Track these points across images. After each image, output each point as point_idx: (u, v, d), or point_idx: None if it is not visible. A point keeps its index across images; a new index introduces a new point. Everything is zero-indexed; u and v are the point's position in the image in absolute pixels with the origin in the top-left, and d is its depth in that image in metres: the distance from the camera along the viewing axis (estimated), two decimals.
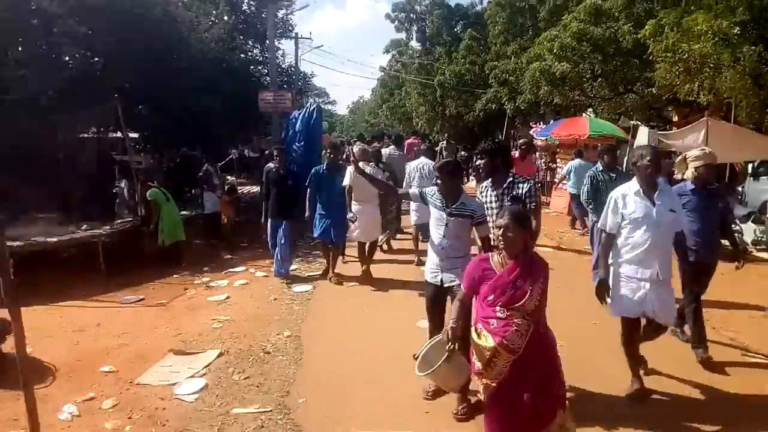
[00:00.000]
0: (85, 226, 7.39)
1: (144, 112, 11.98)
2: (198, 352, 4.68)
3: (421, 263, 7.59)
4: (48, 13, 8.67)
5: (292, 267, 7.44)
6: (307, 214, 6.86)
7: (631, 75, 13.14)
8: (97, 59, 11.20)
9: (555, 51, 13.52)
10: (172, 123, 12.75)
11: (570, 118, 13.81)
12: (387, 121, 35.23)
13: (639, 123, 10.39)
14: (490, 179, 3.74)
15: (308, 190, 6.85)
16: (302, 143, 11.94)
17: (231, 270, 7.52)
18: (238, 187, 15.66)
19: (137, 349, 4.78)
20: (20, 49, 9.05)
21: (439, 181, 3.75)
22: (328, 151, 7.67)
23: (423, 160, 7.92)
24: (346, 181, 6.52)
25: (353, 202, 6.56)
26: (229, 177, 18.70)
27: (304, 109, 12.40)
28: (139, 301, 6.31)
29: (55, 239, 6.71)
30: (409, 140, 15.38)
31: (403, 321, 5.26)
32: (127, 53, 10.26)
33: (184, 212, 11.31)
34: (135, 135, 13.53)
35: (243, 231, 10.09)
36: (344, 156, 8.01)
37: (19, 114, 7.93)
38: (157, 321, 5.58)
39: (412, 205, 7.56)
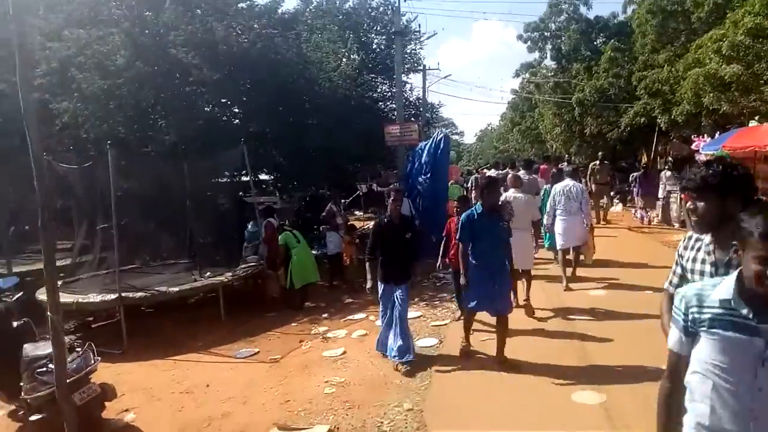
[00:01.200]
0: (208, 273, 7.38)
1: (275, 153, 12.28)
2: (304, 429, 4.05)
3: (569, 289, 7.06)
4: (184, 63, 9.13)
5: (415, 314, 6.69)
6: (462, 281, 4.98)
7: None
8: (230, 103, 11.75)
9: (724, 52, 11.39)
10: (303, 162, 12.95)
11: (744, 127, 11.42)
12: (517, 145, 33.49)
13: None
14: (710, 233, 2.13)
15: (460, 244, 5.10)
16: (429, 175, 11.31)
17: (350, 318, 6.96)
18: (365, 223, 15.48)
19: (241, 419, 4.30)
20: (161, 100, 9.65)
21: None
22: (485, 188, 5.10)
23: (568, 182, 7.51)
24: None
25: None
26: (357, 212, 18.80)
27: (431, 140, 11.79)
28: (253, 355, 5.97)
29: (176, 288, 6.72)
30: (543, 166, 13.98)
31: (555, 393, 4.18)
32: (260, 97, 10.58)
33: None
34: (267, 177, 13.97)
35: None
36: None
37: (158, 164, 8.37)
38: (268, 381, 5.12)
39: (558, 228, 7.41)
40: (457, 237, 5.17)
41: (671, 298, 2.11)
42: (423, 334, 5.98)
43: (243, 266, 7.99)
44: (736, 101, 12.27)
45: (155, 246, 7.64)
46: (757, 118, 12.67)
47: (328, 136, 12.89)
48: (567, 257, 7.49)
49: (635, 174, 15.66)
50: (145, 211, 7.44)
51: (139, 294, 6.29)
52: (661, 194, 13.09)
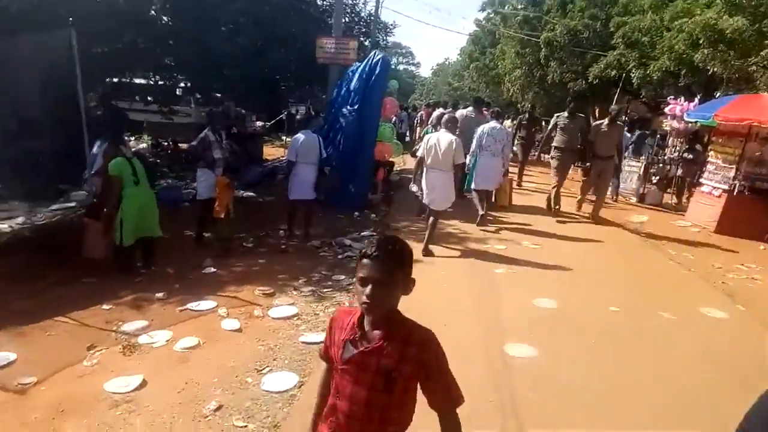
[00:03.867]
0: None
1: (159, 50, 9.35)
2: None
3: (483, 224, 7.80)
4: None
5: (288, 309, 4.55)
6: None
7: None
8: None
9: None
10: (202, 68, 10.16)
11: (742, 95, 9.58)
12: (472, 84, 30.86)
13: None
14: None
15: None
16: (356, 107, 8.87)
17: (191, 307, 4.67)
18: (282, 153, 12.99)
19: None
20: None
21: None
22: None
23: (494, 124, 8.26)
24: (418, 152, 6.45)
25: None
26: (285, 137, 16.09)
27: (364, 62, 9.25)
28: (8, 365, 3.65)
29: None
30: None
31: None
32: None
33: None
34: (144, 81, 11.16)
35: (253, 224, 7.33)
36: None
37: None
38: None
39: (478, 168, 8.06)
40: None
41: None
42: (281, 361, 3.81)
43: (55, 207, 5.43)
44: (730, 62, 10.36)
45: None
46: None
47: (238, 40, 10.12)
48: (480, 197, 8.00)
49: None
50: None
51: None
52: None
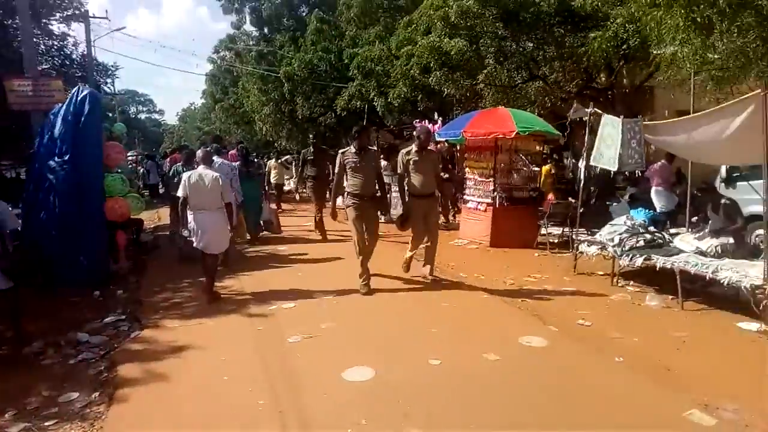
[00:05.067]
0: None
1: None
2: None
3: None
4: None
5: None
6: None
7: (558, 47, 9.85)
8: None
9: (453, 18, 9.77)
10: None
11: (484, 110, 10.21)
12: (222, 125, 29.13)
13: (598, 111, 6.99)
14: None
15: None
16: (66, 156, 6.68)
17: None
18: None
19: None
20: None
21: None
22: None
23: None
24: (180, 192, 5.63)
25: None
26: None
27: (67, 101, 7.04)
28: None
29: None
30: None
31: None
32: None
33: None
34: None
35: None
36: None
37: None
38: None
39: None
40: None
41: None
42: None
43: None
44: (460, 82, 11.06)
45: None
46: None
47: None
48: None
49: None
50: None
51: None
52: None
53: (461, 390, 3.59)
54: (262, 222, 9.58)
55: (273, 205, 11.37)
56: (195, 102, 57.17)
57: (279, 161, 17.46)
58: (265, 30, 21.52)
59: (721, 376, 3.81)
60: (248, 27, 22.19)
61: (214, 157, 6.68)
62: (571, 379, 3.77)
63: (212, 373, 3.91)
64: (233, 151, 11.02)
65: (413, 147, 6.34)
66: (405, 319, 5.22)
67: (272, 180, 15.45)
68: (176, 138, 58.61)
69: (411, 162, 6.24)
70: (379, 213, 6.66)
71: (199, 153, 6.08)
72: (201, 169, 5.74)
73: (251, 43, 22.50)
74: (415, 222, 6.34)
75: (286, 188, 17.72)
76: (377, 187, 6.20)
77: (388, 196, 9.07)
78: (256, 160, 11.82)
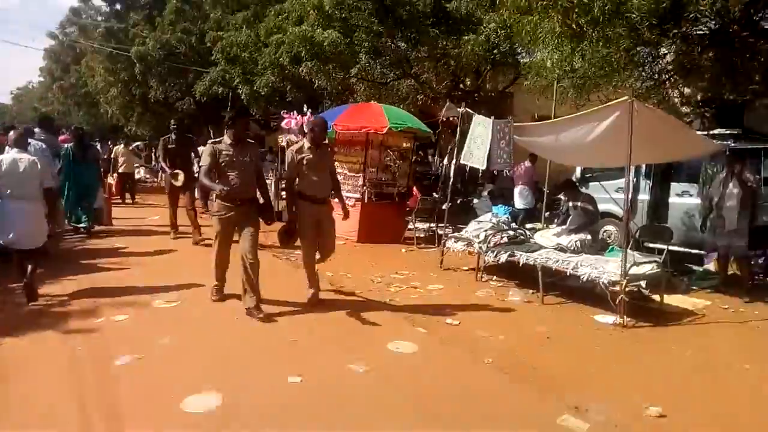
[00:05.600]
0: None
1: None
2: None
3: None
4: None
5: None
6: None
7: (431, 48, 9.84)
8: None
9: (327, 8, 9.32)
10: None
11: (356, 104, 9.87)
12: (61, 107, 25.57)
13: (470, 111, 7.02)
14: None
15: None
16: None
17: None
18: None
19: None
20: None
21: None
22: None
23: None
24: None
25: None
26: None
27: None
28: None
29: None
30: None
31: None
32: None
33: None
34: None
35: None
36: None
37: None
38: None
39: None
40: None
41: None
42: None
43: None
44: (332, 75, 10.64)
45: None
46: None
47: None
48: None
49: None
50: None
51: None
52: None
53: (325, 410, 3.09)
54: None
55: (105, 194, 9.74)
56: (33, 81, 49.94)
57: (128, 148, 15.50)
58: (117, 6, 19.20)
59: (584, 373, 3.78)
60: (97, 1, 19.64)
61: (13, 152, 5.10)
62: (442, 388, 3.48)
63: (6, 415, 2.94)
64: (64, 136, 9.49)
65: (304, 143, 5.03)
66: (260, 330, 4.53)
67: (120, 169, 13.61)
68: (9, 119, 51.20)
69: (304, 161, 4.92)
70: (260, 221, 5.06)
71: (11, 135, 5.27)
72: (14, 152, 4.98)
73: (99, 18, 19.99)
74: (304, 231, 5.05)
75: (136, 176, 15.87)
76: (257, 189, 4.96)
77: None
78: (93, 142, 10.30)
